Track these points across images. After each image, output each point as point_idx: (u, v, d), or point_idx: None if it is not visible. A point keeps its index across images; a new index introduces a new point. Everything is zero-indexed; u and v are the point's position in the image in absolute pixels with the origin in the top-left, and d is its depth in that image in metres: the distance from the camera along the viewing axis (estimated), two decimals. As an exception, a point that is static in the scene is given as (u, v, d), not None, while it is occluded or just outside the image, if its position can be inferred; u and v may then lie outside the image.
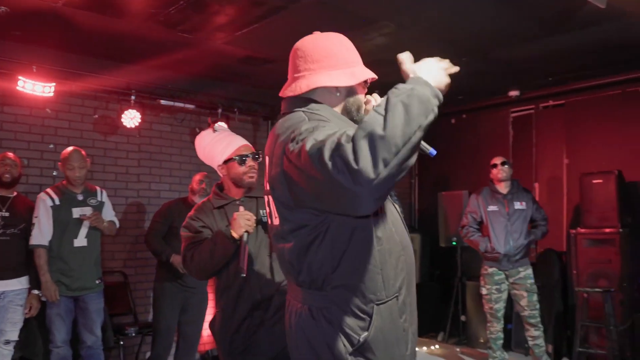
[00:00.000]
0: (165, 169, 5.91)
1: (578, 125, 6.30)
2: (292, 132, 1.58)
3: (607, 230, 5.49)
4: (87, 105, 5.50)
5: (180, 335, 5.05)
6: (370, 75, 1.84)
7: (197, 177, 5.07)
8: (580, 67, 5.66)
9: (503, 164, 5.30)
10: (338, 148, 1.37)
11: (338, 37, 1.87)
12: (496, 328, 5.18)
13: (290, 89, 1.81)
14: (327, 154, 1.39)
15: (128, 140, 5.71)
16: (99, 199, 4.57)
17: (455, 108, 7.09)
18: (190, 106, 5.82)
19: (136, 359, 5.61)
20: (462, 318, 6.68)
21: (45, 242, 4.27)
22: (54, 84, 4.96)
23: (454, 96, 6.71)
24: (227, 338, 2.67)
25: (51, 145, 5.28)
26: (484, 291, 5.23)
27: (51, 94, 4.95)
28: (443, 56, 5.70)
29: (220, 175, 2.88)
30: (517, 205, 5.25)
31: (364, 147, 1.34)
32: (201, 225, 2.75)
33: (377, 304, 1.63)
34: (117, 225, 4.68)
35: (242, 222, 2.59)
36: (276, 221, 1.78)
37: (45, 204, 4.29)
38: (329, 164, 1.37)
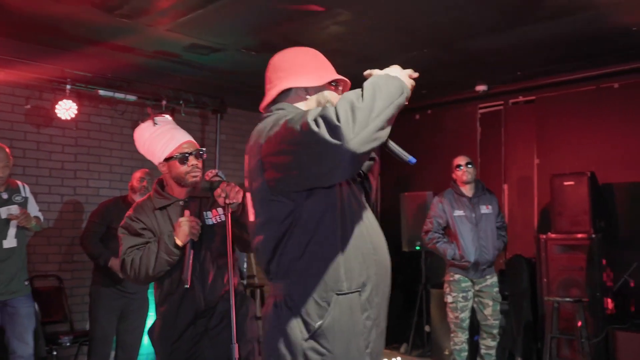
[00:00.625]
0: (104, 164, 5.59)
1: (550, 122, 6.06)
2: (272, 126, 1.77)
3: (579, 235, 5.25)
4: (18, 95, 5.17)
5: (118, 345, 4.82)
6: (336, 76, 1.98)
7: (138, 174, 4.85)
8: (552, 60, 5.47)
9: (468, 164, 5.02)
10: (321, 111, 1.58)
11: (306, 49, 2.08)
12: (460, 339, 4.94)
13: (265, 100, 2.01)
14: (310, 117, 1.59)
15: (64, 133, 5.38)
16: (22, 194, 4.31)
17: (420, 103, 6.82)
18: (132, 97, 5.47)
19: (71, 370, 5.28)
20: (427, 328, 6.39)
21: None
22: (-23, 70, 4.61)
23: (417, 90, 6.42)
24: (168, 347, 2.62)
25: (-23, 138, 4.93)
26: (449, 299, 4.98)
27: (-25, 81, 4.61)
28: (403, 46, 5.45)
29: (162, 172, 2.76)
30: (484, 209, 5.01)
31: (345, 110, 1.55)
32: (142, 227, 2.67)
33: (337, 294, 1.75)
34: (42, 220, 4.42)
35: (187, 229, 2.53)
36: (252, 217, 1.94)
37: None
38: (312, 123, 1.57)
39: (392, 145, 1.84)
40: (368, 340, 1.81)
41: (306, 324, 1.74)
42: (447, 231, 5.04)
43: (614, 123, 5.62)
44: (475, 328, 5.34)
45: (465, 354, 4.96)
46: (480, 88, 6.13)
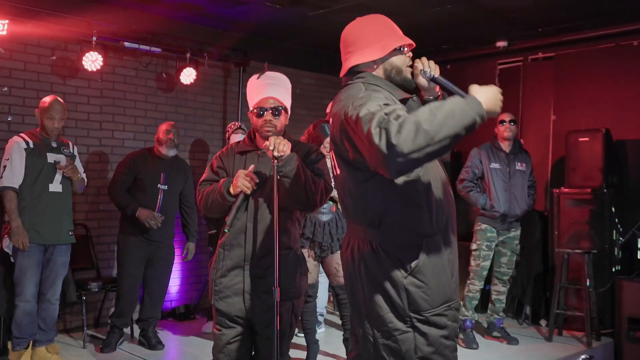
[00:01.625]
0: (129, 116, 5.81)
1: (567, 79, 6.32)
2: (353, 100, 2.03)
3: (591, 190, 5.59)
4: (44, 46, 5.34)
5: (145, 291, 5.09)
6: (400, 42, 2.21)
7: (164, 126, 5.00)
8: (572, 17, 5.67)
9: (511, 122, 5.28)
10: (385, 122, 1.80)
11: (370, 19, 2.28)
12: (476, 287, 5.26)
13: (342, 71, 2.32)
14: (374, 124, 1.83)
15: (89, 85, 5.59)
16: (71, 150, 4.57)
17: (440, 58, 7.01)
18: (157, 50, 5.68)
19: (99, 315, 5.66)
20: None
21: (16, 185, 4.24)
22: (6, 21, 4.79)
23: (438, 45, 6.67)
24: (214, 280, 2.89)
25: (5, 88, 5.14)
26: (473, 247, 5.30)
27: (4, 32, 4.79)
28: (425, 1, 5.70)
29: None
30: (518, 166, 5.31)
31: (409, 130, 1.75)
32: (219, 165, 2.97)
33: (425, 237, 2.09)
34: (85, 182, 4.66)
35: (241, 182, 2.73)
36: (337, 171, 2.27)
37: (19, 146, 4.27)
38: (374, 132, 1.81)
39: (450, 84, 2.10)
40: (453, 270, 2.18)
41: (403, 266, 2.09)
42: (482, 182, 5.31)
43: (631, 81, 5.89)
44: (487, 277, 5.74)
45: (476, 302, 5.31)
46: (501, 44, 6.38)
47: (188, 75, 5.80)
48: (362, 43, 2.22)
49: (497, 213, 5.17)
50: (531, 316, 6.01)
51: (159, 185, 4.95)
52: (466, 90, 1.95)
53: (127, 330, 5.21)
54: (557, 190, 5.82)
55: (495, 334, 5.39)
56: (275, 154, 2.60)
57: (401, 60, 2.23)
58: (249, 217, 2.82)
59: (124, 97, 5.80)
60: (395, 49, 2.21)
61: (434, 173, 2.18)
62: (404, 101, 2.17)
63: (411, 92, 2.25)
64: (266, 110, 2.86)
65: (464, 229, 5.88)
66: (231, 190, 2.76)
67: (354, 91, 2.13)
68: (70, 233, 4.52)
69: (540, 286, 6.03)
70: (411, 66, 2.25)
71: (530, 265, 6.04)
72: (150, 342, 5.00)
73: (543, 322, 5.84)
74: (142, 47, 5.56)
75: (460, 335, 5.19)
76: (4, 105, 5.14)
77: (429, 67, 2.17)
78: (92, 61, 5.26)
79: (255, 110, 2.89)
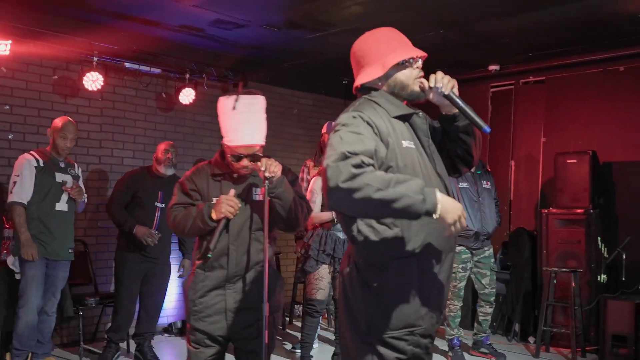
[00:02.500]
0: (128, 135, 6.00)
1: (558, 102, 6.56)
2: (339, 119, 2.12)
3: (578, 210, 5.82)
4: (46, 65, 5.53)
5: (141, 307, 5.24)
6: (401, 57, 2.17)
7: (163, 146, 5.18)
8: (561, 43, 5.91)
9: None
10: (339, 161, 1.93)
11: (373, 34, 2.27)
12: (456, 306, 5.39)
13: (353, 89, 2.35)
14: (331, 158, 1.95)
15: (89, 104, 5.78)
16: (76, 171, 4.79)
17: (434, 80, 7.26)
18: (157, 70, 5.88)
19: (96, 329, 5.79)
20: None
21: (25, 201, 4.45)
22: (9, 41, 4.98)
23: (432, 69, 6.86)
24: (193, 300, 2.93)
25: (6, 107, 5.33)
26: None
27: (6, 52, 4.98)
28: (419, 27, 5.90)
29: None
30: (484, 184, 5.49)
31: (357, 185, 1.88)
32: (192, 188, 2.98)
33: (395, 259, 2.08)
34: (86, 202, 4.87)
35: (224, 208, 2.79)
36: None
37: (30, 164, 4.48)
38: (326, 163, 1.95)
39: (470, 111, 2.11)
40: (428, 296, 2.12)
41: (367, 284, 2.11)
42: None
43: (617, 105, 6.14)
44: (474, 297, 5.91)
45: (459, 320, 5.42)
46: (493, 67, 6.62)
47: (187, 95, 6.00)
48: (365, 61, 2.22)
49: (470, 232, 5.29)
50: (520, 333, 6.18)
51: (156, 204, 5.11)
52: None
53: (123, 345, 5.36)
54: (546, 211, 6.03)
55: (482, 350, 5.55)
56: (267, 174, 2.71)
57: (405, 75, 2.20)
58: (230, 240, 2.89)
59: (124, 116, 5.99)
60: (398, 63, 2.17)
61: None
62: (408, 116, 2.20)
63: (421, 104, 2.27)
64: (244, 157, 2.89)
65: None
66: (213, 215, 2.81)
67: (353, 106, 2.20)
68: (70, 251, 4.72)
69: (530, 304, 6.23)
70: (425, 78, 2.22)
71: (519, 284, 6.24)
72: (146, 356, 5.14)
73: (531, 339, 6.01)
74: (143, 67, 5.77)
75: (450, 353, 5.38)
76: (5, 123, 5.32)
77: (441, 83, 2.13)
78: (93, 81, 5.46)
79: (232, 153, 2.89)
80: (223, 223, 2.82)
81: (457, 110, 2.20)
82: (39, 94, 5.51)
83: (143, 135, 6.09)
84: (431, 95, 2.18)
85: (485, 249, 5.44)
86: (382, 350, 2.11)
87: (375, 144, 2.04)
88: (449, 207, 1.94)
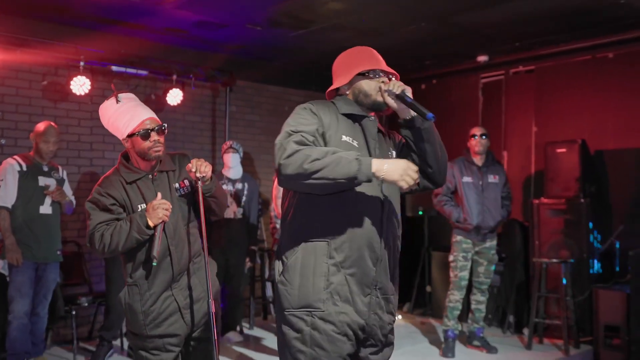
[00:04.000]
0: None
1: (548, 92, 6.56)
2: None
3: (569, 200, 5.80)
4: (35, 72, 5.71)
5: None
6: (364, 68, 2.40)
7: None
8: (549, 31, 5.89)
9: (482, 135, 5.49)
10: (286, 142, 2.20)
11: (348, 51, 2.52)
12: (456, 297, 5.45)
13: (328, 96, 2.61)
14: (277, 138, 2.25)
15: (79, 108, 5.95)
16: (60, 175, 4.94)
17: (425, 73, 7.32)
18: (144, 72, 6.03)
19: (92, 328, 5.96)
20: (428, 289, 7.06)
21: (9, 205, 4.60)
22: (-3, 50, 5.16)
23: (420, 61, 6.93)
24: (145, 311, 2.86)
25: (-1, 113, 5.52)
26: (451, 258, 5.52)
27: (-5, 61, 5.17)
28: (400, 21, 5.94)
29: (126, 147, 2.96)
30: (491, 178, 5.51)
31: (297, 158, 2.13)
32: (112, 202, 2.84)
33: (305, 242, 2.31)
34: (74, 204, 5.00)
35: (161, 213, 2.77)
36: None
37: (13, 169, 4.62)
38: (277, 144, 2.23)
39: (411, 100, 2.26)
40: (330, 281, 2.26)
41: (282, 263, 2.36)
42: (455, 195, 5.54)
43: (608, 92, 6.12)
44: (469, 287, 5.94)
45: (458, 312, 5.48)
46: (482, 58, 6.64)
47: (174, 97, 6.13)
48: (337, 73, 2.49)
49: (470, 225, 5.39)
50: (514, 325, 6.20)
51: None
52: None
53: (117, 342, 5.51)
54: (537, 201, 6.04)
55: (475, 343, 5.59)
56: (198, 175, 2.77)
57: (369, 85, 2.40)
58: (169, 241, 2.88)
59: (114, 118, 6.13)
60: (361, 74, 2.39)
61: (364, 194, 2.31)
62: (358, 117, 2.40)
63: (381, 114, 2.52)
64: (151, 130, 2.86)
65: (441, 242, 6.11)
66: (150, 223, 2.76)
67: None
68: (58, 252, 4.85)
69: (524, 295, 6.24)
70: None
71: (513, 275, 6.26)
72: (139, 354, 5.28)
73: (526, 331, 6.01)
74: (129, 70, 5.91)
75: (443, 345, 5.44)
76: (-3, 129, 5.50)
77: (392, 86, 2.30)
78: (80, 85, 5.61)
79: (137, 134, 2.85)
80: (160, 228, 2.79)
81: (411, 115, 2.34)
82: (29, 100, 5.69)
83: (133, 137, 6.24)
84: (389, 101, 2.33)
85: (488, 240, 5.49)
86: (285, 328, 2.32)
87: (317, 127, 2.29)
88: (391, 166, 2.12)
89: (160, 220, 2.78)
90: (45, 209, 4.75)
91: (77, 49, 5.63)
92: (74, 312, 5.39)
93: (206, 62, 6.41)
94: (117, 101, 2.93)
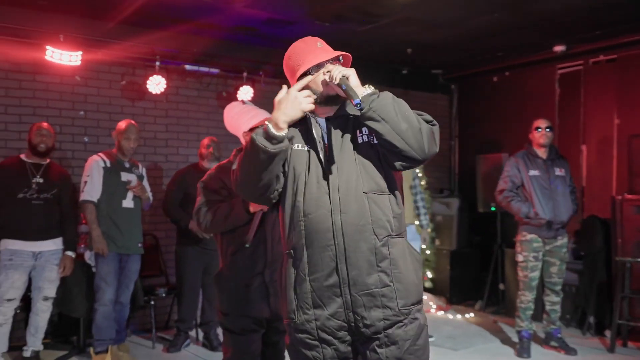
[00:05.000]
0: (192, 133, 6.37)
1: (632, 81, 6.24)
2: None
3: (656, 196, 5.51)
4: (115, 72, 6.00)
5: (204, 297, 5.57)
6: (302, 71, 2.28)
7: (205, 141, 5.53)
8: (633, 17, 5.60)
9: (547, 128, 5.29)
10: None
11: (287, 52, 2.42)
12: (527, 298, 5.28)
13: None
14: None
15: (155, 106, 6.19)
16: (140, 171, 5.19)
17: (497, 65, 7.14)
18: (215, 70, 6.21)
19: (168, 318, 6.20)
20: (501, 286, 6.89)
21: (95, 199, 4.89)
22: (80, 52, 5.45)
23: (493, 52, 6.76)
24: (238, 291, 3.11)
25: (81, 112, 5.84)
26: (520, 258, 5.31)
27: (78, 63, 5.46)
28: (471, 11, 5.79)
29: (243, 142, 3.22)
30: (557, 171, 5.30)
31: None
32: (221, 185, 3.17)
33: (284, 252, 2.36)
34: (151, 201, 5.24)
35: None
36: None
37: (98, 165, 4.92)
38: None
39: (345, 87, 2.12)
40: (297, 291, 2.28)
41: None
42: (522, 191, 5.30)
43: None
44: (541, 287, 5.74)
45: (531, 312, 5.31)
46: (559, 48, 6.40)
47: (245, 93, 6.28)
48: (288, 77, 2.41)
49: (542, 221, 5.16)
50: (595, 326, 5.95)
51: None
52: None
53: (193, 333, 5.72)
54: (620, 197, 5.76)
55: (553, 343, 5.40)
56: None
57: (315, 83, 2.27)
58: (268, 229, 3.11)
59: (188, 115, 6.38)
60: (307, 73, 2.27)
61: (296, 197, 2.28)
62: (299, 122, 2.28)
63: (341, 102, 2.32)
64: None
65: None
66: (251, 209, 3.01)
67: None
68: (139, 245, 5.10)
69: (605, 296, 5.96)
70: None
71: (593, 274, 6.01)
72: (212, 344, 5.48)
73: (608, 333, 5.75)
74: (202, 68, 6.10)
75: (518, 345, 5.33)
76: (80, 127, 5.83)
77: (328, 76, 2.19)
78: (156, 84, 5.86)
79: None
80: (259, 214, 3.02)
81: (361, 97, 2.15)
82: (110, 99, 5.98)
83: (206, 133, 6.41)
84: (339, 91, 2.19)
85: (559, 238, 5.26)
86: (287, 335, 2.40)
87: None
88: (281, 111, 2.17)
89: (259, 208, 2.98)
90: (128, 203, 5.01)
91: (152, 49, 5.87)
92: (152, 302, 5.64)
93: (275, 58, 6.50)
94: (244, 102, 3.35)
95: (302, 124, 2.32)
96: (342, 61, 2.33)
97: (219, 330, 5.56)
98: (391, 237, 2.24)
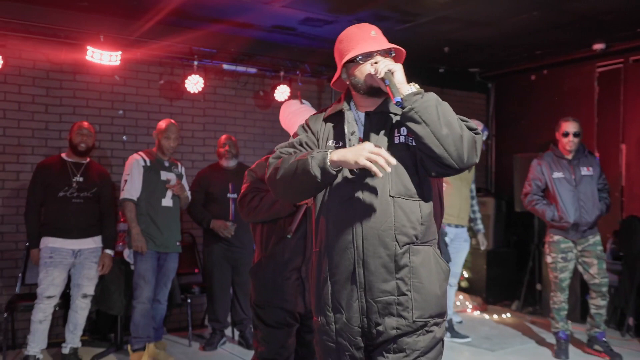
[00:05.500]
0: (229, 132, 6.36)
1: (673, 79, 6.13)
2: None
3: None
4: (153, 72, 6.05)
5: (235, 296, 5.58)
6: (350, 57, 2.22)
7: (222, 139, 5.55)
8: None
9: (575, 135, 5.11)
10: (272, 158, 2.31)
11: (340, 36, 2.36)
12: (559, 299, 5.20)
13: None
14: (272, 158, 2.32)
15: (193, 105, 6.23)
16: (179, 171, 5.22)
17: (535, 63, 7.06)
18: (253, 70, 6.23)
19: (204, 316, 6.24)
20: (538, 287, 6.81)
21: (135, 198, 4.92)
22: (120, 52, 5.50)
23: (531, 51, 6.68)
24: (275, 282, 3.11)
25: (120, 112, 5.90)
26: (549, 259, 5.26)
27: (117, 63, 5.51)
28: (510, 10, 5.73)
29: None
30: (584, 171, 5.16)
31: (270, 173, 2.25)
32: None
33: (312, 253, 2.38)
34: (189, 199, 5.28)
35: None
36: None
37: (138, 164, 4.96)
38: (269, 161, 2.31)
39: (388, 82, 2.06)
40: (321, 292, 2.28)
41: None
42: (547, 193, 5.23)
43: None
44: (583, 288, 5.66)
45: (565, 312, 5.22)
46: (598, 46, 6.30)
47: (282, 92, 6.29)
48: (336, 61, 2.36)
49: (567, 224, 5.08)
50: (635, 328, 5.86)
51: (228, 195, 5.44)
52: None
53: (228, 332, 5.74)
54: (661, 197, 5.67)
55: (596, 347, 5.24)
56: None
57: (360, 71, 2.22)
58: (309, 224, 3.09)
59: (225, 115, 6.41)
60: (353, 60, 2.22)
61: (335, 194, 2.23)
62: (334, 118, 2.30)
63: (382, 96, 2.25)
64: None
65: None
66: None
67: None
68: (177, 243, 5.13)
69: (645, 297, 5.88)
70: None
71: (632, 275, 5.91)
72: (248, 342, 5.48)
73: (648, 335, 5.69)
74: (239, 68, 6.13)
75: (555, 347, 5.24)
76: (119, 126, 5.88)
77: (374, 69, 2.14)
78: (194, 83, 5.89)
79: None
80: (302, 208, 3.04)
81: (405, 93, 2.10)
82: (148, 98, 6.03)
83: (243, 132, 6.47)
84: (382, 84, 2.13)
85: (589, 237, 5.15)
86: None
87: (302, 140, 2.34)
88: (346, 153, 2.05)
89: (304, 202, 2.95)
90: (167, 201, 5.04)
91: (190, 48, 5.91)
92: (189, 301, 5.68)
93: (312, 57, 6.52)
94: (301, 102, 3.34)
95: (337, 119, 2.30)
96: (393, 55, 2.25)
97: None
98: (414, 244, 2.15)
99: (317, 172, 2.07)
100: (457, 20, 5.56)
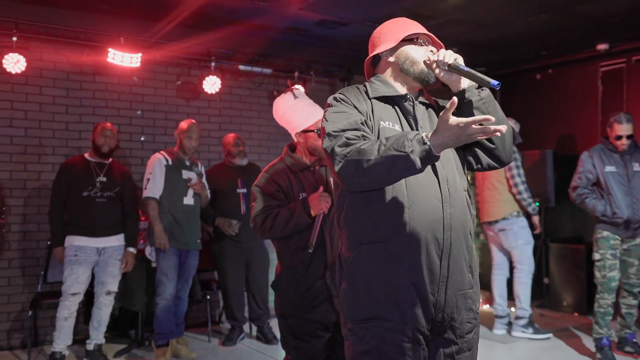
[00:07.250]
0: (245, 132, 6.49)
1: (674, 79, 6.29)
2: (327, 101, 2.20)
3: None
4: (170, 73, 6.13)
5: (249, 293, 5.65)
6: (410, 32, 2.21)
7: (232, 140, 5.60)
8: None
9: (629, 137, 4.91)
10: (329, 146, 1.97)
11: (390, 21, 2.33)
12: (607, 301, 4.87)
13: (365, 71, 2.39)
14: (324, 144, 2.01)
15: (209, 105, 6.32)
16: (200, 170, 5.31)
17: (541, 63, 7.20)
18: (268, 70, 6.33)
19: (221, 313, 6.32)
20: (545, 280, 6.95)
21: (157, 196, 5.00)
22: (140, 54, 5.58)
23: (536, 52, 6.82)
24: (299, 294, 2.98)
25: (139, 112, 5.97)
26: (596, 257, 4.97)
27: (138, 65, 5.59)
28: (519, 13, 5.83)
29: (295, 140, 3.13)
30: (636, 166, 4.94)
31: (349, 165, 1.90)
32: (276, 189, 3.04)
33: (364, 244, 2.07)
34: (209, 198, 5.36)
35: (324, 204, 2.93)
36: None
37: (160, 163, 5.04)
38: (324, 148, 2.00)
39: (467, 69, 1.99)
40: (391, 287, 2.03)
41: (341, 268, 2.17)
42: (597, 187, 5.00)
43: None
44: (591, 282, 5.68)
45: (610, 317, 4.89)
46: (602, 47, 6.44)
47: (297, 92, 6.38)
48: (379, 41, 2.26)
49: (619, 220, 4.85)
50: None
51: (238, 190, 5.53)
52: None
53: (247, 327, 5.85)
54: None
55: (627, 349, 5.08)
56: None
57: (416, 52, 2.18)
58: (326, 231, 3.00)
59: (240, 114, 6.51)
60: (407, 39, 2.19)
61: (415, 183, 2.05)
62: (391, 99, 2.17)
63: (431, 87, 2.21)
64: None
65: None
66: (312, 212, 2.94)
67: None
68: (198, 241, 5.21)
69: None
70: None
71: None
72: (267, 337, 5.58)
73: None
74: (255, 68, 6.22)
75: (598, 355, 4.92)
76: (137, 126, 5.96)
77: (443, 55, 2.07)
78: (212, 84, 5.97)
79: (315, 131, 3.04)
80: (319, 218, 2.95)
81: (465, 85, 2.11)
82: (165, 99, 6.11)
83: (258, 132, 6.57)
84: (438, 72, 2.10)
85: (638, 237, 4.92)
86: (351, 338, 2.11)
87: (360, 117, 2.07)
88: (445, 140, 1.83)
89: (321, 211, 2.94)
90: (188, 200, 5.12)
91: (208, 50, 6.00)
92: (208, 297, 5.76)
93: (326, 58, 6.63)
94: (295, 97, 3.15)
95: (387, 100, 2.19)
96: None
97: (272, 323, 5.61)
98: (471, 237, 2.17)
99: (420, 164, 1.83)
100: (468, 22, 5.68)
